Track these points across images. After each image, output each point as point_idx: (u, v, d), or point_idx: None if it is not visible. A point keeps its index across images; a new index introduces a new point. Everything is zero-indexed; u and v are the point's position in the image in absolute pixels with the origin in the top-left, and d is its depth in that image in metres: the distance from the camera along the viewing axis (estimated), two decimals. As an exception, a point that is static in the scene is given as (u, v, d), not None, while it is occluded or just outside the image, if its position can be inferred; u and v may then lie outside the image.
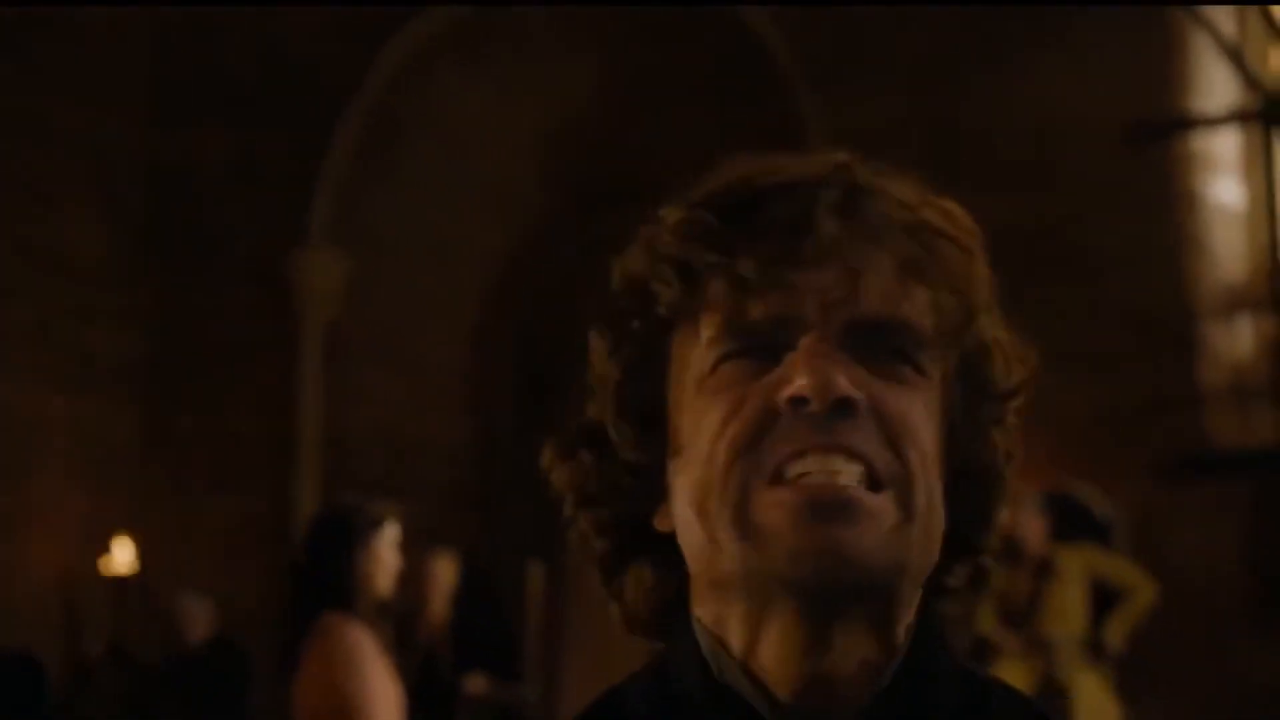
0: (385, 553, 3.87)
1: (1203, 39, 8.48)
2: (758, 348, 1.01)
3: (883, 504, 0.96)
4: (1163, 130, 8.49)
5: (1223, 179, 8.69)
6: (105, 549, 9.62)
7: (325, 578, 3.78)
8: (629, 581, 1.10)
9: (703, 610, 1.04)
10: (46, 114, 10.03)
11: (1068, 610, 6.94)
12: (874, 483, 0.97)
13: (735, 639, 1.01)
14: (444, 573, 7.75)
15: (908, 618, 1.01)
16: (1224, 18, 8.48)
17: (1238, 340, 8.60)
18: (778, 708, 0.99)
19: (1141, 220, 8.37)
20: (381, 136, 10.29)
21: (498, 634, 8.17)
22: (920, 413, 1.00)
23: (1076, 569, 7.00)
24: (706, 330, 1.02)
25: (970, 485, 1.05)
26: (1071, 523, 7.40)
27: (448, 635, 7.74)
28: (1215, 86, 8.61)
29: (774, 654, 0.99)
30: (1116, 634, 6.97)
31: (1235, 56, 8.37)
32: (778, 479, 0.97)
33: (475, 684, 7.63)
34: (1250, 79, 8.41)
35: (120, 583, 9.56)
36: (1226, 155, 8.71)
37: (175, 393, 10.38)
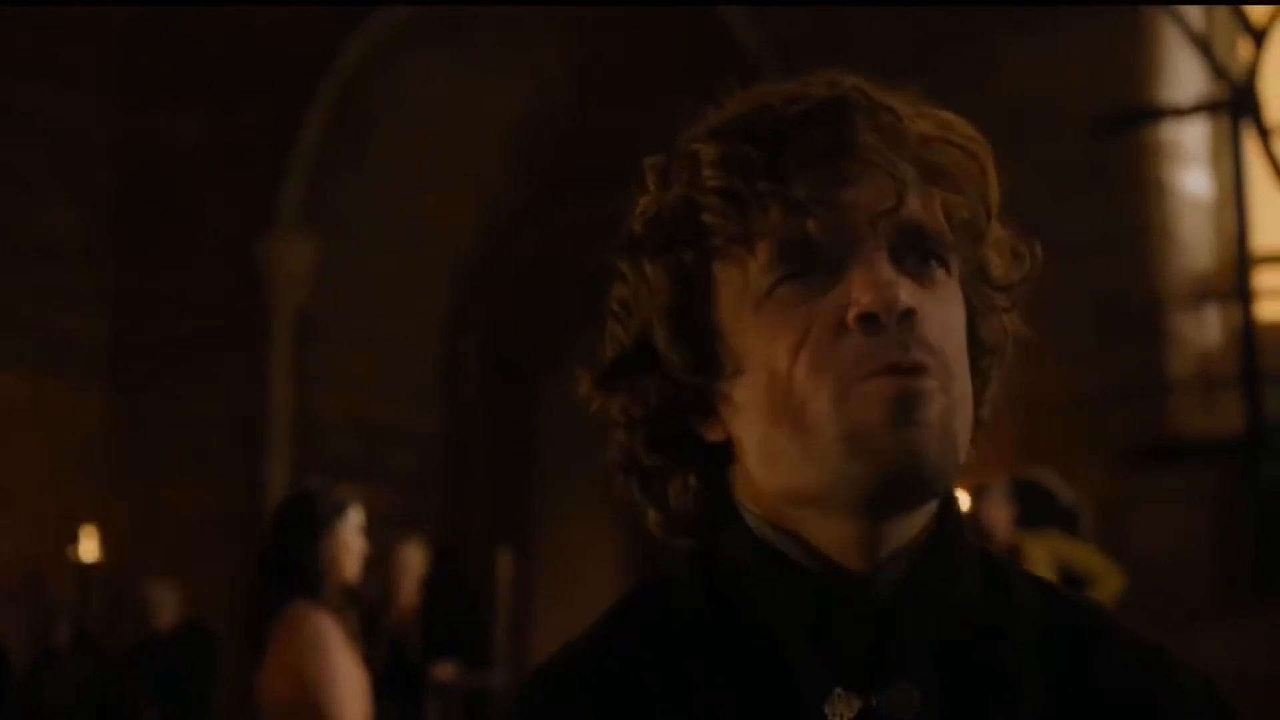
0: (350, 538, 3.86)
1: (1171, 29, 8.52)
2: (813, 266, 1.08)
3: (931, 387, 1.05)
4: (1131, 119, 8.53)
5: (1191, 169, 8.73)
6: (73, 534, 9.57)
7: (290, 565, 3.77)
8: (676, 488, 1.17)
9: (755, 504, 1.13)
10: (18, 96, 9.97)
11: (1034, 598, 6.96)
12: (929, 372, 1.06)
13: (793, 524, 1.10)
14: (413, 559, 7.75)
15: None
16: (1192, 9, 8.52)
17: (1204, 329, 8.65)
18: (829, 573, 1.09)
19: (1109, 208, 8.41)
20: (352, 121, 10.27)
21: (467, 621, 8.17)
22: (955, 314, 1.10)
23: (1042, 557, 7.03)
24: (762, 254, 1.08)
25: (981, 354, 1.16)
26: (1037, 510, 7.43)
27: (416, 622, 7.74)
28: (1183, 77, 8.66)
29: (833, 543, 1.09)
30: (1082, 621, 7.00)
31: (1203, 47, 8.41)
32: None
33: (444, 671, 7.63)
34: (1218, 70, 8.45)
35: (87, 568, 9.52)
36: (1194, 145, 8.76)
37: (144, 377, 10.33)
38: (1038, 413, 8.10)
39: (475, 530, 9.96)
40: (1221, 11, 8.63)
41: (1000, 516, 7.09)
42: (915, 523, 1.10)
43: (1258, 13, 8.32)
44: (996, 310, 1.17)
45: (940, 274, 1.10)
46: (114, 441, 10.23)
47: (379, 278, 10.47)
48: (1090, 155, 8.44)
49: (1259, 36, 8.24)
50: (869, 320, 1.04)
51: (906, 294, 1.05)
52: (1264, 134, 8.18)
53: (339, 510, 3.85)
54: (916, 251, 1.09)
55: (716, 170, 1.10)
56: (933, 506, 1.11)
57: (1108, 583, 7.07)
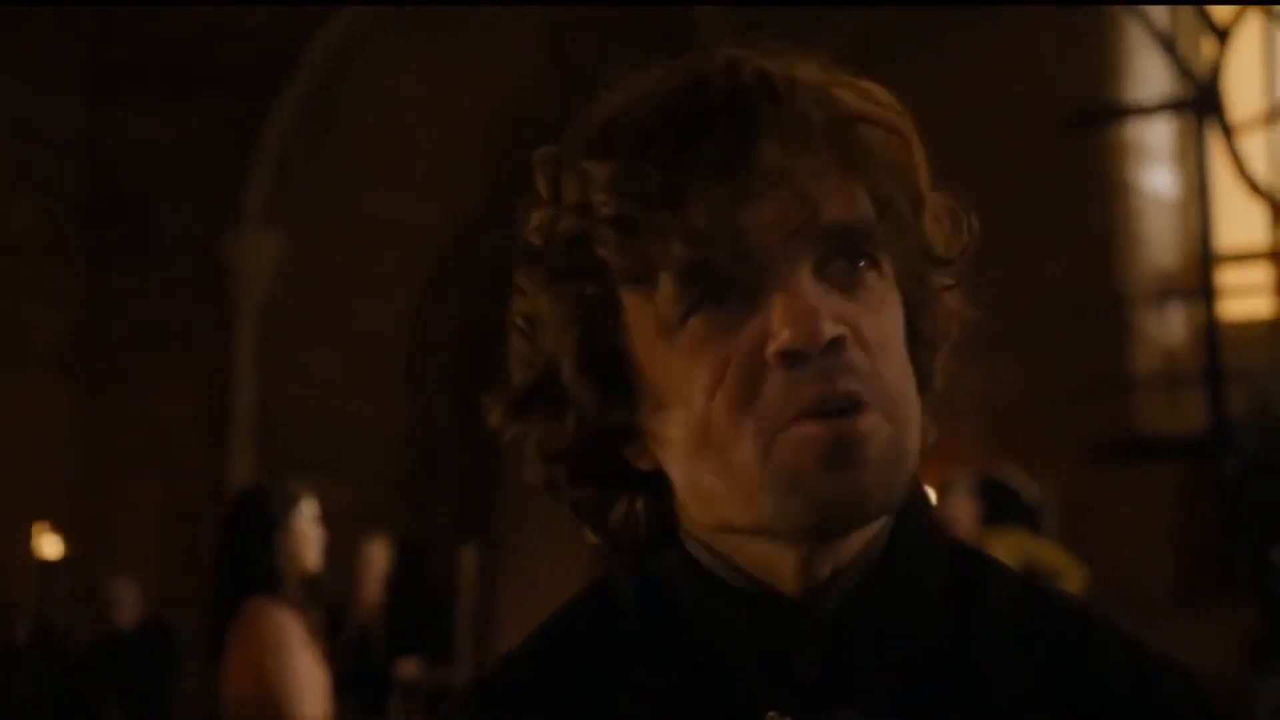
0: (307, 528, 3.82)
1: (1136, 28, 8.55)
2: (726, 293, 0.98)
3: (874, 427, 0.97)
4: (1096, 118, 8.55)
5: (1155, 168, 8.77)
6: (35, 530, 9.51)
7: (247, 563, 3.73)
8: (618, 514, 1.09)
9: (693, 526, 1.05)
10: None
11: (998, 594, 6.97)
12: (864, 406, 0.97)
13: (732, 551, 1.03)
14: (376, 556, 7.72)
15: None
16: (1157, 7, 8.56)
17: (1168, 327, 8.69)
18: (766, 596, 1.02)
19: (1074, 206, 8.44)
20: (320, 115, 10.21)
21: (431, 618, 8.15)
22: (891, 319, 1.01)
23: (1006, 554, 7.03)
24: (666, 285, 0.98)
25: (922, 347, 1.06)
26: (1001, 507, 7.45)
27: (381, 619, 7.72)
28: (1148, 75, 8.69)
29: (774, 565, 1.02)
30: (1045, 618, 7.01)
31: (1168, 46, 8.44)
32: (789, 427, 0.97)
33: (408, 668, 7.60)
34: (1182, 69, 8.49)
35: (50, 565, 9.46)
36: (1159, 144, 8.80)
37: (108, 373, 10.27)
38: (1002, 410, 8.13)
39: (440, 526, 9.93)
40: (1186, 10, 8.67)
41: (964, 513, 7.11)
42: (864, 536, 1.03)
43: (1222, 12, 8.35)
44: (938, 292, 1.08)
45: (871, 276, 1.01)
46: (78, 437, 10.16)
47: (345, 273, 10.42)
48: (1055, 153, 8.46)
49: (1223, 35, 8.28)
50: (792, 356, 0.95)
51: (832, 319, 0.96)
52: (1228, 132, 8.22)
53: (292, 503, 3.81)
54: (843, 255, 0.99)
55: (609, 195, 1.00)
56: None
57: (1071, 580, 7.09)
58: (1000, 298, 8.62)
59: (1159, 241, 8.71)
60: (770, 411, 0.97)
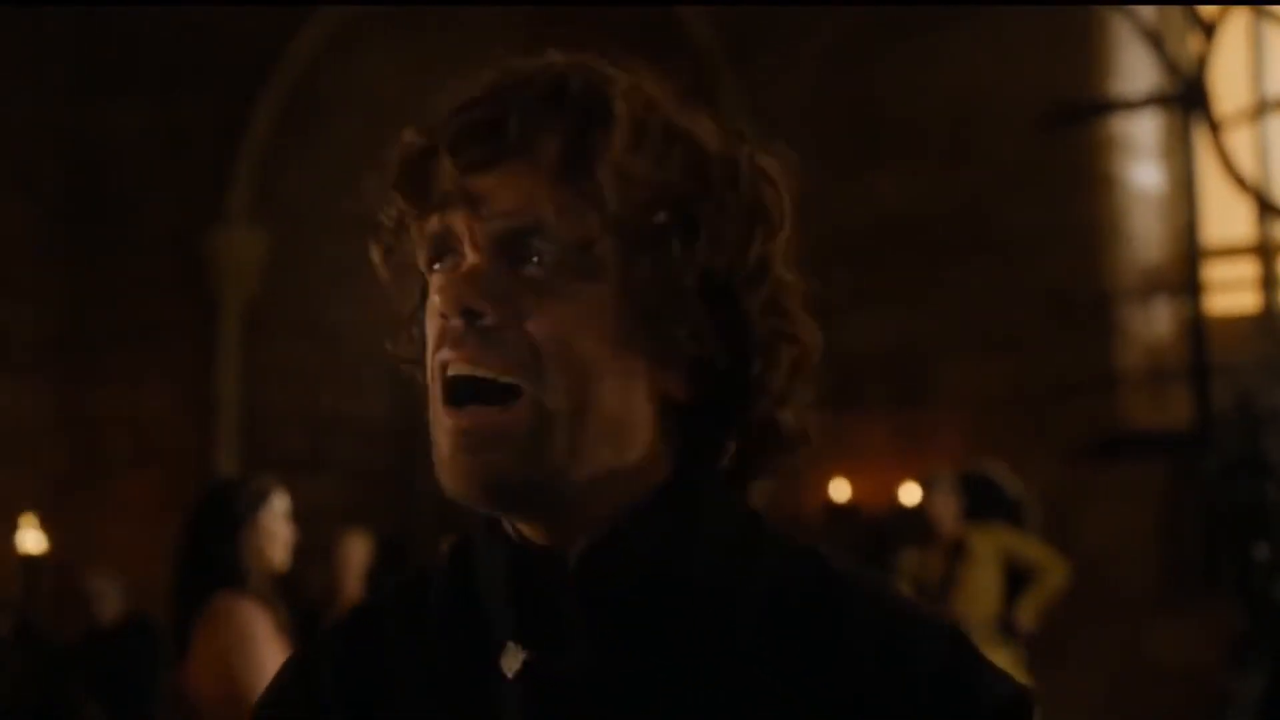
0: (275, 525, 3.78)
1: (1122, 23, 8.53)
2: (445, 252, 1.09)
3: (515, 419, 1.04)
4: (1082, 113, 8.54)
5: (1141, 163, 8.75)
6: (18, 526, 9.47)
7: (213, 558, 3.70)
8: None
9: None
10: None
11: (980, 591, 6.97)
12: (506, 391, 1.04)
13: None
14: (356, 553, 7.68)
15: (632, 484, 1.08)
16: (1144, 2, 8.55)
17: (1154, 323, 8.67)
18: (527, 543, 1.10)
19: (1059, 202, 8.42)
20: (303, 112, 10.19)
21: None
22: (572, 317, 1.04)
23: (989, 550, 7.03)
24: (418, 237, 1.11)
25: (652, 326, 1.07)
26: (984, 503, 7.43)
27: (362, 615, 7.69)
28: (1135, 70, 8.67)
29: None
30: (1028, 614, 7.01)
31: (1155, 41, 8.43)
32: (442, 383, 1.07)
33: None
34: (1169, 64, 8.47)
35: (32, 562, 9.43)
36: (1145, 139, 8.78)
37: (91, 369, 10.25)
38: (986, 406, 8.12)
39: (424, 522, 9.91)
40: (1173, 6, 8.65)
41: (947, 509, 7.09)
42: (616, 493, 1.08)
43: (1208, 8, 8.35)
44: (671, 279, 1.07)
45: (562, 279, 1.05)
46: (61, 434, 10.13)
47: (328, 270, 10.37)
48: (1040, 148, 8.45)
49: (1209, 31, 8.27)
50: (444, 319, 1.05)
51: (484, 295, 1.03)
52: (1214, 127, 8.22)
53: (261, 499, 3.77)
54: (532, 252, 1.04)
55: (403, 156, 1.11)
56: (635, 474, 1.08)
57: (1053, 575, 7.08)
58: (984, 292, 8.62)
59: (1145, 237, 8.69)
60: (435, 376, 1.08)
